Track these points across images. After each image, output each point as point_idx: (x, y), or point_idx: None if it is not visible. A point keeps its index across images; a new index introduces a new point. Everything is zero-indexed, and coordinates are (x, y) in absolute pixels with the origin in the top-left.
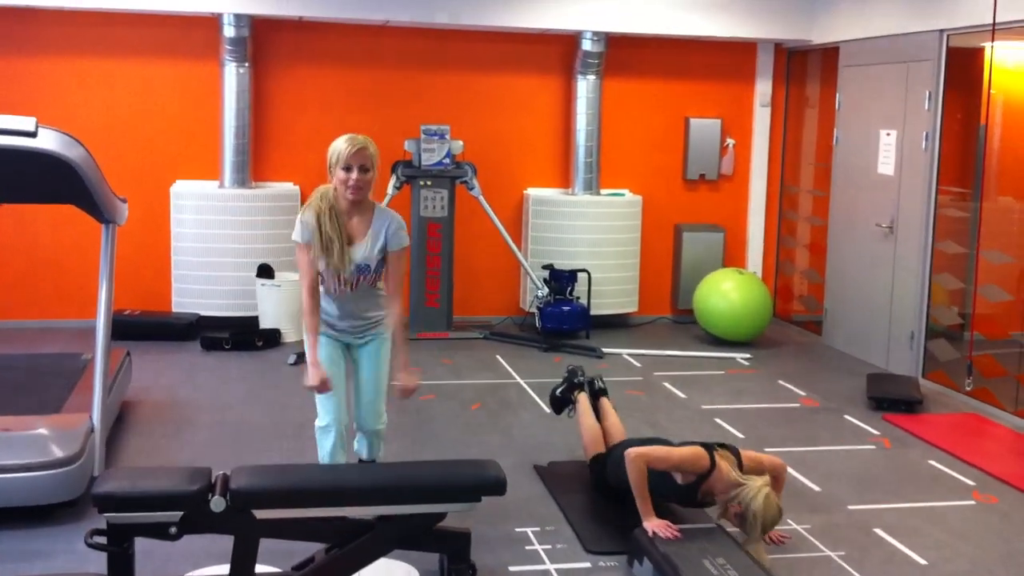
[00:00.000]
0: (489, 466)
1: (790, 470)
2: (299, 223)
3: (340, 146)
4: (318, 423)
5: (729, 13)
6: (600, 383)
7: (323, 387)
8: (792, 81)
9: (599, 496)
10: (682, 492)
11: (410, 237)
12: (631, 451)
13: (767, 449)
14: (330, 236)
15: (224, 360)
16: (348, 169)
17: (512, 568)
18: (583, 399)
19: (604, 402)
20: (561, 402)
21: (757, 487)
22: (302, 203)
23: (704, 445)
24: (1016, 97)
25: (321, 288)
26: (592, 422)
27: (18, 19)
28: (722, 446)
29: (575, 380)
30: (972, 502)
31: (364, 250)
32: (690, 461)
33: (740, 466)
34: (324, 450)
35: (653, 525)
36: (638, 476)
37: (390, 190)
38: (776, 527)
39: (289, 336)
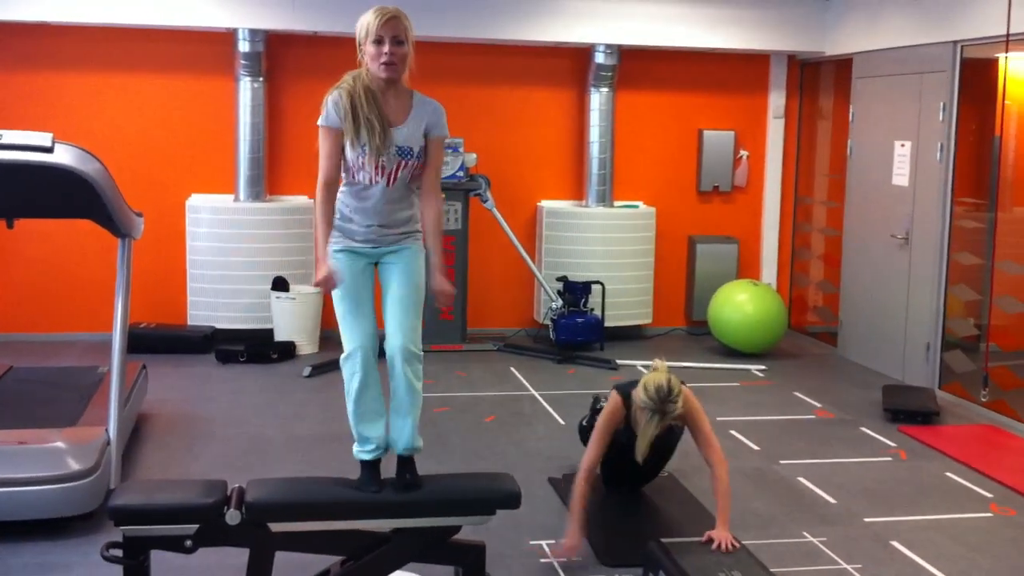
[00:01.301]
0: (504, 479)
1: (805, 482)
2: (328, 104)
3: (368, 18)
4: (343, 355)
5: (742, 25)
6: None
7: (329, 283)
8: (805, 93)
9: (615, 504)
10: (625, 451)
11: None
12: (582, 466)
13: (782, 461)
14: (368, 116)
15: (239, 373)
16: (380, 42)
17: None
18: None
19: None
20: (588, 430)
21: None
22: None
23: (617, 387)
24: None
25: (346, 187)
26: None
27: (34, 35)
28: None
29: (596, 407)
30: (989, 514)
31: (405, 133)
32: (609, 419)
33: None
34: (352, 386)
35: (565, 547)
36: (575, 495)
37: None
38: (666, 401)
39: (304, 348)
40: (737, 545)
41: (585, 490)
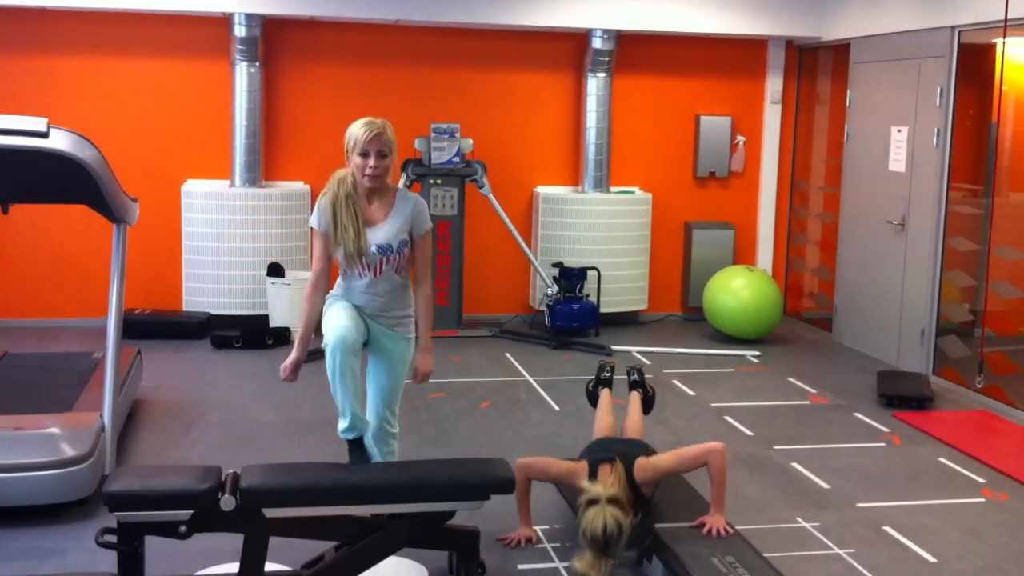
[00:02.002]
0: (498, 465)
1: (799, 467)
2: (317, 209)
3: (357, 131)
4: (324, 345)
5: (739, 10)
6: (635, 375)
7: (287, 372)
8: (803, 78)
9: None
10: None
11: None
12: (518, 461)
13: (776, 447)
14: (345, 223)
15: (234, 359)
16: (365, 155)
17: (521, 566)
18: (605, 394)
19: (633, 396)
20: (592, 397)
21: (585, 497)
22: (312, 202)
23: (599, 461)
24: None
25: (341, 277)
26: (605, 417)
27: (29, 19)
28: (612, 460)
29: (602, 376)
30: (982, 499)
31: (384, 232)
32: (567, 475)
33: (630, 479)
34: (330, 367)
35: (518, 534)
36: (518, 487)
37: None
38: (606, 546)
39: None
40: (730, 530)
41: (525, 489)
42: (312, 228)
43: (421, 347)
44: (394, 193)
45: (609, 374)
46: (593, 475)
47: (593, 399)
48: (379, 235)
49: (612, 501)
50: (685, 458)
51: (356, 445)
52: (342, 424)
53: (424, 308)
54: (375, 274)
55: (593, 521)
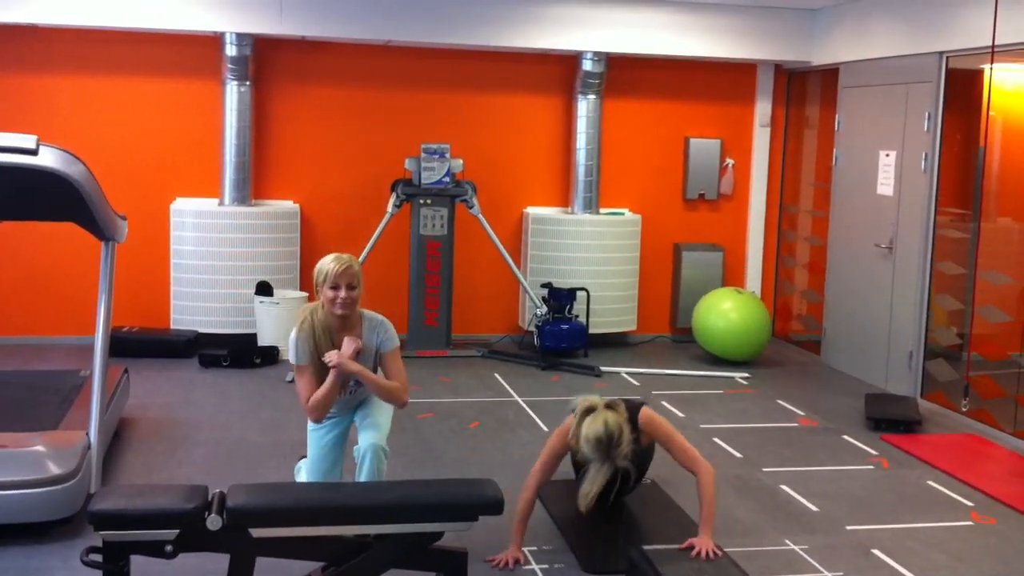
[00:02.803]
0: (487, 485)
1: (788, 490)
2: (294, 344)
3: (327, 266)
4: (300, 470)
5: (729, 34)
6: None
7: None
8: (792, 102)
9: (598, 511)
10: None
11: (410, 257)
12: (531, 475)
13: (765, 469)
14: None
15: (222, 377)
16: (336, 288)
17: None
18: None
19: None
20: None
21: (577, 411)
22: (302, 222)
23: (585, 410)
24: (1015, 119)
25: None
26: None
27: (20, 37)
28: (609, 406)
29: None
30: (970, 523)
31: (359, 363)
32: (555, 444)
33: (633, 419)
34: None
35: (506, 555)
36: (520, 497)
37: (390, 208)
38: (609, 449)
39: (287, 354)
40: (719, 553)
41: (527, 510)
42: (295, 364)
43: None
44: (360, 318)
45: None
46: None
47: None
48: (354, 368)
49: (609, 407)
50: (683, 444)
51: None
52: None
53: (387, 385)
54: (349, 395)
55: (593, 423)
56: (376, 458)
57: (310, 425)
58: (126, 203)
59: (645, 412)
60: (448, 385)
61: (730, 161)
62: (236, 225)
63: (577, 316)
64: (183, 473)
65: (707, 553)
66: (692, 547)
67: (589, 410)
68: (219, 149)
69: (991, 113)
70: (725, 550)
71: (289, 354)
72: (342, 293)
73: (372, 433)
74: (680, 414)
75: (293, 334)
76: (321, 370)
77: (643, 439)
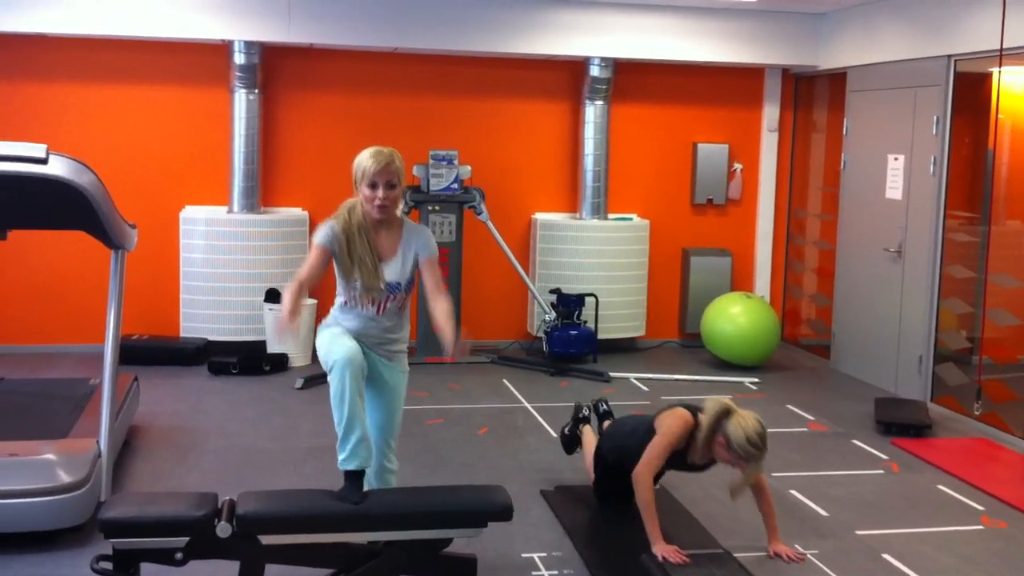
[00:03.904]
0: (496, 491)
1: (798, 495)
2: (326, 229)
3: (365, 162)
4: (329, 368)
5: (736, 39)
6: (604, 406)
7: (283, 325)
8: (800, 106)
9: (608, 516)
10: (676, 459)
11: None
12: (636, 472)
13: (775, 475)
14: (361, 256)
15: (231, 385)
16: (374, 187)
17: None
18: (587, 430)
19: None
20: (570, 440)
21: (718, 410)
22: (311, 229)
23: (685, 406)
24: None
25: (340, 307)
26: (594, 443)
27: (29, 46)
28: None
29: (580, 416)
30: (981, 527)
31: (395, 268)
32: (679, 433)
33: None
34: (336, 389)
35: (662, 550)
36: (647, 495)
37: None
38: (765, 445)
39: (296, 361)
40: (802, 554)
41: (653, 497)
42: (316, 243)
43: (449, 341)
44: (401, 225)
45: (587, 413)
46: (694, 416)
47: (571, 443)
48: (390, 272)
49: (729, 406)
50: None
51: (355, 479)
52: (344, 453)
53: (445, 317)
54: (379, 311)
55: (746, 422)
56: (378, 477)
57: (325, 329)
58: (135, 211)
59: None
60: (457, 391)
61: (738, 166)
62: (245, 233)
63: (586, 322)
64: (192, 481)
65: (790, 556)
66: (777, 556)
67: (727, 411)
68: (228, 157)
69: (1000, 116)
70: (735, 555)
71: (317, 235)
72: (380, 192)
73: (379, 436)
74: None
75: (326, 222)
76: (326, 265)
77: None
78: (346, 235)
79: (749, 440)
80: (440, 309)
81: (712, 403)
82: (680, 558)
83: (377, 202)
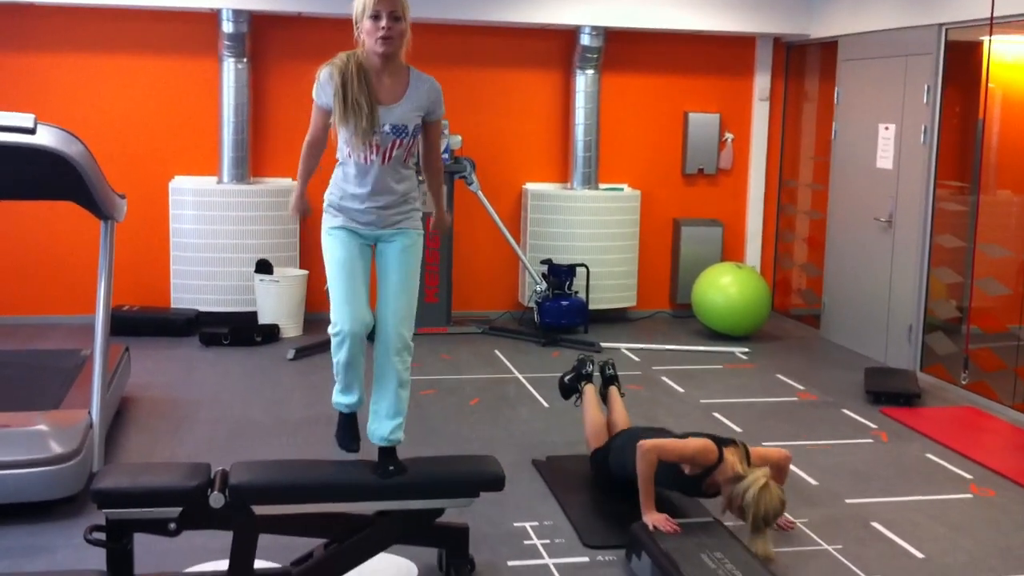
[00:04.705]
0: (487, 462)
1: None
2: (319, 79)
3: None
4: (332, 328)
5: (728, 8)
6: (611, 369)
7: (299, 211)
8: (791, 75)
9: (599, 490)
10: (687, 483)
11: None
12: (644, 443)
13: (764, 443)
14: (356, 98)
15: (223, 356)
16: (377, 17)
17: (510, 563)
18: (590, 390)
19: (612, 391)
20: (568, 389)
21: (754, 478)
22: None
23: (714, 439)
24: (1014, 91)
25: (343, 165)
26: (596, 414)
27: (15, 15)
28: (732, 442)
29: (584, 371)
30: (969, 496)
31: (401, 110)
32: (701, 454)
33: (748, 461)
34: (339, 358)
35: (653, 519)
36: (647, 468)
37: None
38: (780, 517)
39: (288, 331)
40: (792, 524)
41: (655, 469)
42: (315, 103)
43: (437, 210)
44: (407, 71)
45: (591, 368)
46: (720, 453)
47: (568, 391)
48: (394, 114)
49: (770, 477)
50: (770, 459)
51: (348, 419)
52: (341, 398)
53: (437, 185)
54: (384, 159)
55: (770, 500)
56: (397, 355)
57: (327, 233)
58: (124, 182)
59: (753, 451)
60: (449, 362)
61: (729, 136)
62: (235, 203)
63: (577, 292)
64: (185, 451)
65: (777, 525)
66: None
67: (765, 486)
68: (217, 127)
69: (990, 85)
70: (726, 524)
71: (314, 89)
72: (383, 23)
73: (390, 316)
74: (680, 389)
75: (323, 69)
76: (329, 117)
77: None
78: (342, 77)
79: (765, 519)
80: (434, 181)
81: (758, 477)
82: (670, 527)
83: (381, 33)
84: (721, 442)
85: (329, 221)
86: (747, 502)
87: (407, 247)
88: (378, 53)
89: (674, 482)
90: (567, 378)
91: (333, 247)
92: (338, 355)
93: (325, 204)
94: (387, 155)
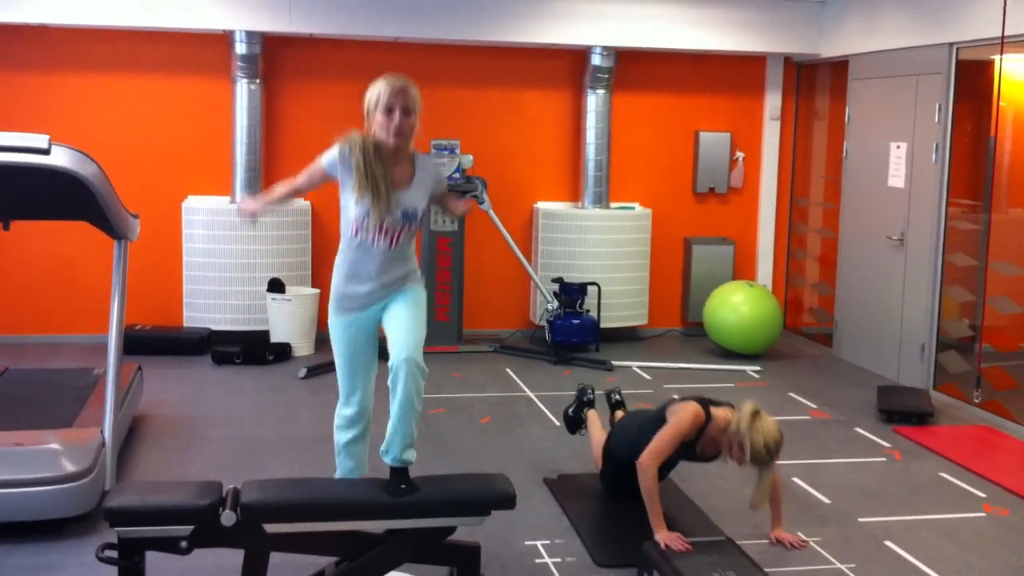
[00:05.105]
0: (499, 480)
1: (800, 482)
2: (337, 151)
3: (380, 87)
4: (342, 403)
5: (738, 27)
6: (617, 396)
7: (248, 212)
8: (802, 94)
9: (610, 508)
10: (684, 449)
11: (419, 253)
12: (641, 460)
13: (777, 462)
14: (376, 177)
15: (235, 374)
16: (390, 111)
17: None
18: (593, 415)
19: (619, 416)
20: (574, 422)
21: (744, 412)
22: (313, 219)
23: (700, 400)
24: None
25: (348, 244)
26: (602, 434)
27: (31, 37)
28: (717, 403)
29: (584, 398)
30: (983, 514)
31: (412, 195)
32: (692, 424)
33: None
34: (342, 437)
35: (665, 538)
36: (651, 484)
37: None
38: (780, 445)
39: (300, 350)
40: (805, 542)
41: (656, 486)
42: (321, 162)
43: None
44: (413, 158)
45: (592, 395)
46: (706, 411)
47: (574, 424)
48: (406, 199)
49: (756, 408)
50: None
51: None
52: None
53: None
54: (391, 244)
55: (766, 425)
56: (410, 377)
57: (333, 324)
58: (138, 202)
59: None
60: (460, 380)
61: (740, 154)
62: (247, 223)
63: (588, 311)
64: (197, 470)
65: (792, 543)
66: (779, 542)
67: (756, 413)
68: (230, 147)
69: (1002, 103)
70: (738, 543)
71: (324, 157)
72: (396, 117)
73: (403, 343)
74: None
75: (341, 144)
76: (319, 184)
77: None
78: (363, 155)
79: (767, 448)
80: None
81: (746, 408)
82: (683, 545)
83: (394, 127)
84: (708, 402)
85: (334, 312)
86: (743, 433)
87: (413, 292)
88: (391, 145)
89: (675, 456)
90: (570, 409)
91: (338, 339)
92: (344, 434)
93: (331, 294)
94: (395, 239)
